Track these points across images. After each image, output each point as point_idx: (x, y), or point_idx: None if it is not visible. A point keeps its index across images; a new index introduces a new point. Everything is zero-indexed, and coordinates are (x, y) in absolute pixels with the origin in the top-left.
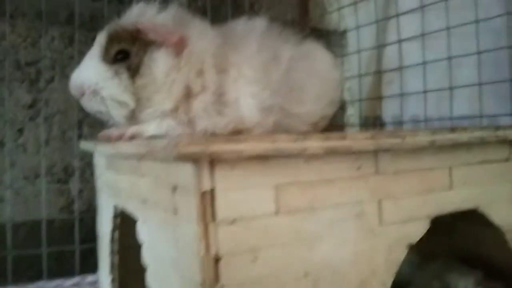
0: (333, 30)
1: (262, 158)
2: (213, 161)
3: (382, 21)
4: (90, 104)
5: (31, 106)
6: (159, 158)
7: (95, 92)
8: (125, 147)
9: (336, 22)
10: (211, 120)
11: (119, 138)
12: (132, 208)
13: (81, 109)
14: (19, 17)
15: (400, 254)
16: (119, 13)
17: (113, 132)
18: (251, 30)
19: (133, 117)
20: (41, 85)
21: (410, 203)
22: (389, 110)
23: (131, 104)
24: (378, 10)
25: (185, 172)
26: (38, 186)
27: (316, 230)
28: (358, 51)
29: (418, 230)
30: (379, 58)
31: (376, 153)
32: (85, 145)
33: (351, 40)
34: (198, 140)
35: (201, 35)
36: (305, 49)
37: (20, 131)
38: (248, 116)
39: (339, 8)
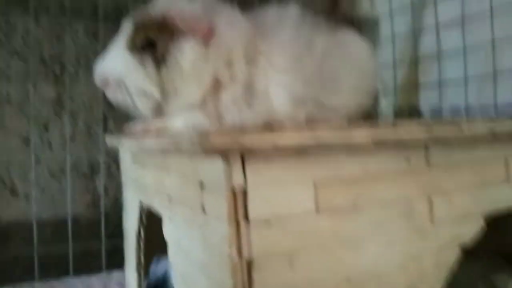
0: (365, 17)
1: (300, 150)
2: (245, 155)
3: (418, 6)
4: (115, 95)
5: (56, 101)
6: (186, 152)
7: (119, 82)
8: (150, 142)
9: (368, 8)
10: (240, 112)
11: (145, 132)
12: (158, 206)
13: (106, 103)
14: (43, 12)
15: (452, 256)
16: (143, 6)
17: (139, 126)
18: (283, 18)
19: (159, 110)
20: (65, 79)
21: (463, 200)
22: (426, 100)
23: (157, 95)
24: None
25: (213, 167)
26: (64, 182)
27: (360, 231)
28: (392, 38)
29: (471, 229)
30: (415, 45)
31: (427, 144)
32: (110, 140)
33: (384, 27)
34: (227, 131)
35: (231, 24)
36: (340, 38)
37: (45, 127)
38: (279, 108)
39: None
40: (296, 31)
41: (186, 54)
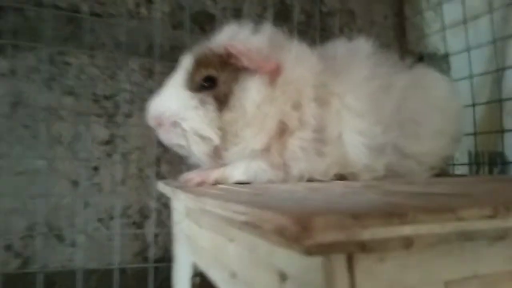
0: (433, 53)
1: (430, 243)
2: (354, 251)
3: (500, 41)
4: (168, 137)
5: (108, 142)
6: (270, 241)
7: (175, 123)
8: (212, 205)
9: (436, 44)
10: (309, 162)
11: (201, 184)
12: (217, 277)
13: (159, 145)
14: (99, 48)
15: None
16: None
17: (194, 177)
18: (355, 54)
19: (217, 155)
20: (119, 119)
21: None
22: None
23: (216, 139)
24: (495, 29)
25: (304, 261)
26: (112, 229)
27: None
28: (470, 76)
29: None
30: (497, 84)
31: None
32: (163, 188)
33: (456, 64)
34: (335, 220)
35: (299, 61)
36: (419, 76)
37: (96, 169)
38: (355, 157)
39: (441, 30)
40: (372, 68)
41: (251, 93)
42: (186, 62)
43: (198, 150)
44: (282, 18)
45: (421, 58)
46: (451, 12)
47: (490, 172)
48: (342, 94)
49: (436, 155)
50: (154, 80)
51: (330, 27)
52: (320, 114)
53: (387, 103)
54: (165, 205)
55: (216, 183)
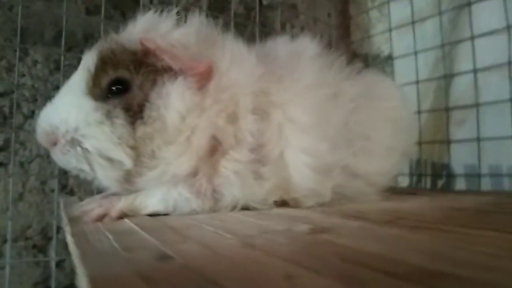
0: (376, 55)
1: None
2: None
3: (448, 45)
4: (65, 159)
5: (2, 149)
6: None
7: (73, 141)
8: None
9: (379, 46)
10: (245, 188)
11: (102, 218)
12: None
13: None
14: None
15: None
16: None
17: (94, 207)
18: (299, 56)
19: (128, 181)
20: (16, 121)
21: None
22: (459, 158)
23: (128, 162)
24: (444, 32)
25: None
26: (4, 256)
27: None
28: (416, 82)
29: None
30: (444, 91)
31: None
32: (62, 211)
33: (400, 67)
34: None
35: (235, 62)
36: (369, 83)
37: None
38: (298, 180)
39: (386, 31)
40: (318, 74)
41: (173, 101)
42: (88, 60)
43: (104, 176)
44: (217, 9)
45: (365, 60)
46: (396, 13)
47: (433, 184)
48: (285, 105)
49: (388, 174)
50: (62, 74)
51: (271, 22)
52: (259, 129)
53: (335, 115)
54: None
55: (123, 215)
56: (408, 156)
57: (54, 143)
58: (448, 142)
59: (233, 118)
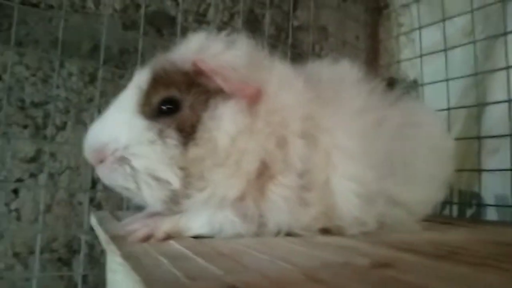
0: (401, 80)
1: None
2: None
3: (483, 74)
4: (111, 176)
5: (32, 159)
6: None
7: (122, 160)
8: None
9: (405, 70)
10: (291, 214)
11: (147, 239)
12: None
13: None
14: (30, 45)
15: None
16: (156, 48)
17: (138, 227)
18: (342, 79)
19: (174, 202)
20: (48, 132)
21: None
22: (491, 188)
23: (176, 183)
24: (477, 60)
25: None
26: (31, 267)
27: None
28: (448, 109)
29: None
30: (477, 120)
31: None
32: (96, 228)
33: (428, 94)
34: None
35: (284, 85)
36: (410, 109)
37: (15, 192)
38: (344, 208)
39: (415, 56)
40: (364, 99)
41: (225, 124)
42: (140, 78)
43: (150, 196)
44: (250, 28)
45: (392, 84)
46: (424, 39)
47: (461, 213)
48: (333, 130)
49: (429, 203)
50: (96, 87)
51: (300, 44)
52: (307, 155)
53: (381, 142)
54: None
55: (167, 237)
56: (448, 185)
57: (102, 160)
58: (479, 170)
59: (282, 142)
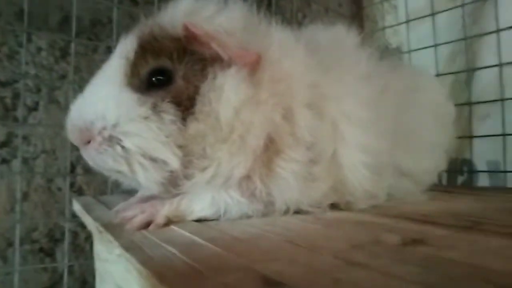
0: (385, 47)
1: None
2: None
3: (472, 38)
4: (100, 158)
5: (4, 144)
6: None
7: (112, 139)
8: None
9: (387, 37)
10: (303, 190)
11: (146, 226)
12: None
13: (75, 147)
14: None
15: None
16: (132, 18)
17: (135, 214)
18: (341, 45)
19: (172, 184)
20: (19, 114)
21: None
22: (482, 154)
23: (175, 163)
24: (467, 26)
25: None
26: (11, 260)
27: None
28: (436, 75)
29: None
30: (467, 85)
31: None
32: (82, 215)
33: (416, 59)
34: None
35: (285, 51)
36: (410, 76)
37: None
38: (355, 181)
39: (405, 22)
40: (367, 65)
41: (228, 95)
42: (125, 47)
43: (146, 178)
44: None
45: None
46: (405, 5)
47: (451, 180)
48: (339, 98)
49: (434, 171)
50: (68, 62)
51: (283, 11)
52: (315, 126)
53: (386, 110)
54: (82, 224)
55: (167, 222)
56: (450, 153)
57: (88, 141)
58: (470, 137)
59: (288, 114)
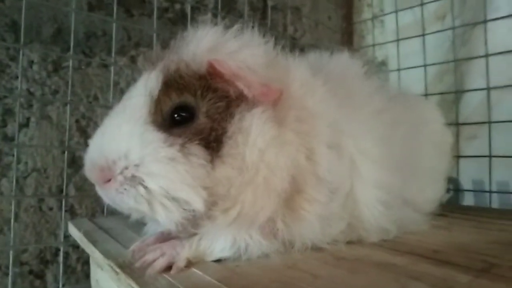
0: (370, 61)
1: None
2: None
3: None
4: (120, 198)
5: None
6: None
7: (134, 180)
8: None
9: (373, 53)
10: (322, 230)
11: (168, 269)
12: None
13: (69, 165)
14: None
15: None
16: (127, 31)
17: (155, 257)
18: (346, 75)
19: (192, 224)
20: (9, 130)
21: None
22: (468, 173)
23: (200, 206)
24: (456, 48)
25: None
26: (2, 283)
27: None
28: (425, 95)
29: None
30: (454, 105)
31: None
32: (87, 247)
33: (402, 77)
34: None
35: (307, 87)
36: (412, 106)
37: None
38: (370, 217)
39: (396, 41)
40: (378, 99)
41: (255, 138)
42: (149, 83)
43: (167, 218)
44: (225, 9)
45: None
46: (393, 22)
47: None
48: (356, 135)
49: (436, 200)
50: (61, 76)
51: (274, 24)
52: (336, 165)
53: (395, 144)
54: (74, 245)
55: (188, 264)
56: (447, 181)
57: (108, 180)
58: (457, 157)
59: (310, 154)
